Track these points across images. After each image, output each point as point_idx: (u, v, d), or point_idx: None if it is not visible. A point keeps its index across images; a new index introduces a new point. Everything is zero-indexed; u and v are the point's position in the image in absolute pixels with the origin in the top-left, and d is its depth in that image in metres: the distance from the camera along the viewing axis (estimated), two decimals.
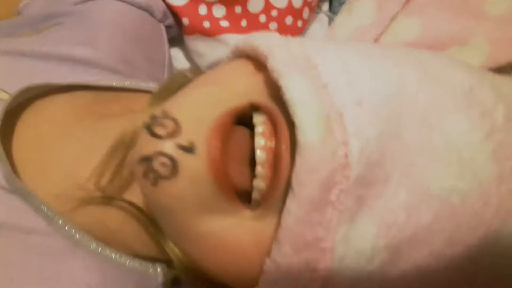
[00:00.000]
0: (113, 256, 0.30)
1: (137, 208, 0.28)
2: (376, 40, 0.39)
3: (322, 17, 0.48)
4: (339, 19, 0.40)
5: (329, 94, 0.22)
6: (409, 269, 0.23)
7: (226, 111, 0.23)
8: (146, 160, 0.23)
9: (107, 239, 0.30)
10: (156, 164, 0.22)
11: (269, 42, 0.25)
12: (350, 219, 0.22)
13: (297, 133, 0.21)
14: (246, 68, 0.26)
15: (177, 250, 0.27)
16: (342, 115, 0.22)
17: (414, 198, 0.22)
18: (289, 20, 0.42)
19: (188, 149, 0.22)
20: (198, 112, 0.24)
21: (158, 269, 0.31)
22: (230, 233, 0.24)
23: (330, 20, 0.48)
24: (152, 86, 0.37)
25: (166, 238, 0.27)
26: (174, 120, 0.23)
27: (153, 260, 0.32)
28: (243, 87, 0.25)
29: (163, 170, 0.22)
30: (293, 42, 0.26)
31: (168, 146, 0.22)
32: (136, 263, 0.30)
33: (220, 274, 0.26)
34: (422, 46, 0.37)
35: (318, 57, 0.24)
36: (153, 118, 0.24)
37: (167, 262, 0.30)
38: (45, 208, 0.28)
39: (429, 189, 0.22)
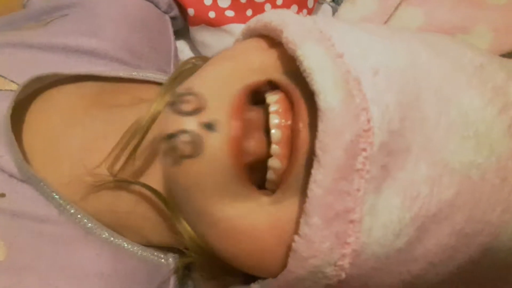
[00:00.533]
0: (125, 245, 0.30)
1: (151, 189, 0.28)
2: None
3: (326, 8, 0.49)
4: (342, 9, 0.41)
5: (345, 63, 0.22)
6: (433, 247, 0.23)
7: (244, 87, 0.23)
8: (170, 137, 0.23)
9: (119, 227, 0.30)
10: (179, 142, 0.22)
11: (282, 17, 0.25)
12: (376, 190, 0.21)
13: (317, 99, 0.21)
14: (259, 44, 0.26)
15: (190, 230, 0.27)
16: (360, 82, 0.22)
17: (435, 172, 0.22)
18: (294, 8, 0.42)
19: (211, 126, 0.22)
20: (220, 87, 0.24)
21: (170, 259, 0.31)
22: (247, 218, 0.23)
23: (334, 11, 0.48)
24: (159, 77, 0.37)
25: (181, 219, 0.27)
26: (198, 96, 0.23)
27: (165, 250, 0.32)
28: (259, 62, 0.25)
29: (186, 149, 0.22)
30: (304, 18, 0.26)
31: (192, 124, 0.23)
32: (148, 253, 0.30)
33: (235, 260, 0.25)
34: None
35: (331, 30, 0.24)
36: (177, 95, 0.24)
37: (179, 251, 0.30)
38: (57, 197, 0.28)
39: (449, 164, 0.22)
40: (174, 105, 0.23)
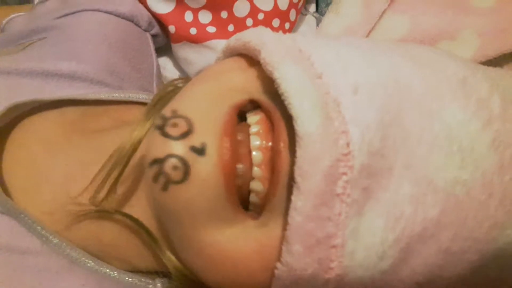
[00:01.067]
0: (111, 274, 0.29)
1: (134, 219, 0.27)
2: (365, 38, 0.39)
3: (310, 19, 0.48)
4: (326, 19, 0.40)
5: (324, 84, 0.22)
6: (419, 267, 0.22)
7: (231, 108, 0.23)
8: (157, 162, 0.22)
9: (104, 255, 0.29)
10: (167, 168, 0.22)
11: (260, 37, 0.25)
12: (358, 212, 0.21)
13: (295, 124, 0.20)
14: (239, 64, 0.26)
15: (174, 260, 0.27)
16: (340, 103, 0.21)
17: (419, 191, 0.22)
18: (276, 22, 0.41)
19: (200, 150, 0.22)
20: (206, 109, 0.23)
21: (158, 285, 0.31)
22: (233, 243, 0.23)
23: (318, 21, 0.48)
24: (142, 96, 0.36)
25: (164, 248, 0.27)
26: (186, 119, 0.23)
27: (153, 274, 0.31)
28: (239, 82, 0.25)
29: (174, 174, 0.22)
30: (284, 36, 0.26)
31: (180, 148, 0.22)
32: (135, 279, 0.30)
33: (221, 286, 0.25)
34: (412, 42, 0.37)
35: (310, 49, 0.24)
36: (164, 118, 0.23)
37: (168, 276, 0.30)
38: (39, 228, 0.28)
39: (433, 181, 0.22)
40: (160, 129, 0.23)
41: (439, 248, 0.22)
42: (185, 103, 0.24)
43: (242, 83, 0.25)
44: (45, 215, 0.28)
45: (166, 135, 0.22)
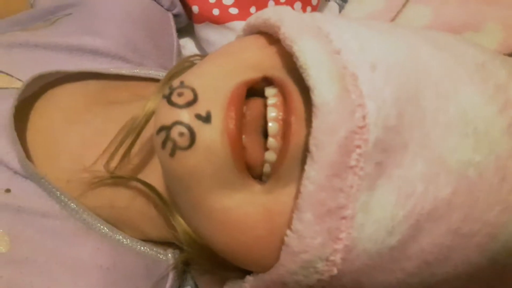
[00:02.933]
0: (124, 241, 0.30)
1: (146, 184, 0.28)
2: None
3: (332, 5, 0.48)
4: (349, 6, 0.40)
5: (343, 59, 0.22)
6: (427, 246, 0.23)
7: (240, 82, 0.23)
8: (165, 129, 0.23)
9: (118, 222, 0.30)
10: (174, 134, 0.22)
11: (280, 13, 0.25)
12: (370, 186, 0.21)
13: (312, 95, 0.21)
14: (258, 42, 0.26)
15: (184, 224, 0.27)
16: (357, 78, 0.21)
17: (432, 170, 0.22)
18: (297, 6, 0.41)
19: (205, 118, 0.22)
20: (214, 81, 0.24)
21: (169, 255, 0.32)
22: (240, 208, 0.23)
23: (341, 8, 0.48)
24: (162, 74, 0.37)
25: (175, 213, 0.28)
26: (192, 89, 0.23)
27: (164, 245, 0.32)
28: (255, 59, 0.25)
29: (180, 140, 0.22)
30: (303, 14, 0.26)
31: (186, 115, 0.22)
32: (147, 248, 0.31)
33: (229, 252, 0.25)
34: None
35: (330, 26, 0.24)
36: (171, 88, 0.24)
37: (179, 247, 0.30)
38: (58, 193, 0.29)
39: (446, 161, 0.22)
40: (167, 98, 0.23)
41: (448, 229, 0.22)
42: (193, 75, 0.25)
43: (258, 60, 0.25)
44: (63, 182, 0.29)
45: (172, 103, 0.23)
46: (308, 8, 0.42)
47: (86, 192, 0.29)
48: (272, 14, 0.25)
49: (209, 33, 0.44)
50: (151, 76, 0.36)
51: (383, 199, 0.21)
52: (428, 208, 0.22)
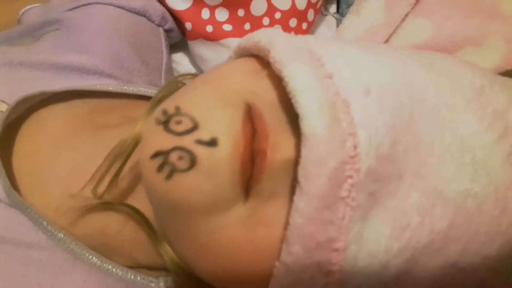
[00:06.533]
0: (114, 270, 0.29)
1: (134, 209, 0.27)
2: (386, 41, 0.38)
3: (330, 19, 0.48)
4: (347, 20, 0.39)
5: (335, 84, 0.21)
6: (423, 279, 0.22)
7: (239, 108, 0.23)
8: (162, 154, 0.22)
9: (108, 250, 0.29)
10: (173, 158, 0.22)
11: (271, 36, 0.24)
12: (363, 217, 0.21)
13: (301, 123, 0.20)
14: (247, 66, 0.26)
15: (171, 252, 0.27)
16: (349, 105, 0.21)
17: (428, 201, 0.21)
18: (293, 22, 0.41)
19: (211, 143, 0.22)
20: (212, 110, 0.23)
21: (161, 283, 0.31)
22: (225, 231, 0.23)
23: (338, 22, 0.47)
24: (151, 91, 0.36)
25: (162, 240, 0.27)
26: (191, 118, 0.22)
27: (156, 271, 0.31)
28: (244, 84, 0.24)
29: (180, 163, 0.22)
30: (295, 37, 0.25)
31: (187, 141, 0.22)
32: (138, 277, 0.30)
33: (217, 279, 0.25)
34: (434, 48, 0.37)
35: (322, 50, 0.23)
36: (166, 114, 0.23)
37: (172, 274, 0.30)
38: (45, 222, 0.28)
39: (443, 192, 0.21)
40: (164, 124, 0.23)
41: (445, 263, 0.22)
42: (189, 101, 0.24)
43: (246, 85, 0.24)
44: (51, 210, 0.29)
45: (170, 130, 0.22)
46: (304, 25, 0.42)
47: (76, 220, 0.28)
48: (262, 37, 0.25)
49: (203, 50, 0.43)
50: (140, 93, 0.36)
51: (377, 230, 0.21)
52: (424, 241, 0.21)
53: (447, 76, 0.24)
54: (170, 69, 0.43)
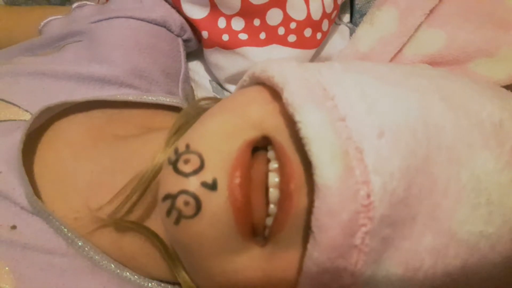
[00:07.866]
0: (132, 278, 0.30)
1: (154, 234, 0.28)
2: (399, 51, 0.38)
3: (343, 29, 0.48)
4: (360, 30, 0.40)
5: (348, 127, 0.21)
6: None
7: (243, 145, 0.23)
8: (170, 198, 0.23)
9: (124, 262, 0.30)
10: (179, 203, 0.22)
11: (284, 73, 0.24)
12: (375, 260, 0.20)
13: (314, 174, 0.20)
14: (261, 96, 0.25)
15: (189, 281, 0.27)
16: (362, 151, 0.20)
17: (441, 242, 0.21)
18: (308, 32, 0.41)
19: (211, 186, 0.22)
20: (219, 144, 0.23)
21: None
22: (239, 273, 0.23)
23: (352, 32, 0.47)
24: (170, 100, 0.37)
25: (180, 268, 0.27)
26: (198, 155, 0.23)
27: (172, 283, 0.31)
28: (257, 117, 0.24)
29: (186, 210, 0.22)
30: (309, 70, 0.25)
31: (192, 184, 0.22)
32: (155, 284, 0.30)
33: None
34: (447, 58, 0.37)
35: (335, 87, 0.23)
36: (177, 153, 0.23)
37: None
38: (65, 230, 0.28)
39: (457, 233, 0.21)
40: (173, 164, 0.23)
41: None
42: (198, 137, 0.24)
43: (261, 118, 0.24)
44: (71, 219, 0.29)
45: (178, 171, 0.23)
46: (319, 34, 0.42)
47: (93, 232, 0.29)
48: (276, 72, 0.24)
49: (219, 58, 0.43)
50: (159, 102, 0.36)
51: (390, 272, 0.21)
52: (437, 282, 0.21)
53: (464, 109, 0.24)
54: (187, 78, 0.43)
